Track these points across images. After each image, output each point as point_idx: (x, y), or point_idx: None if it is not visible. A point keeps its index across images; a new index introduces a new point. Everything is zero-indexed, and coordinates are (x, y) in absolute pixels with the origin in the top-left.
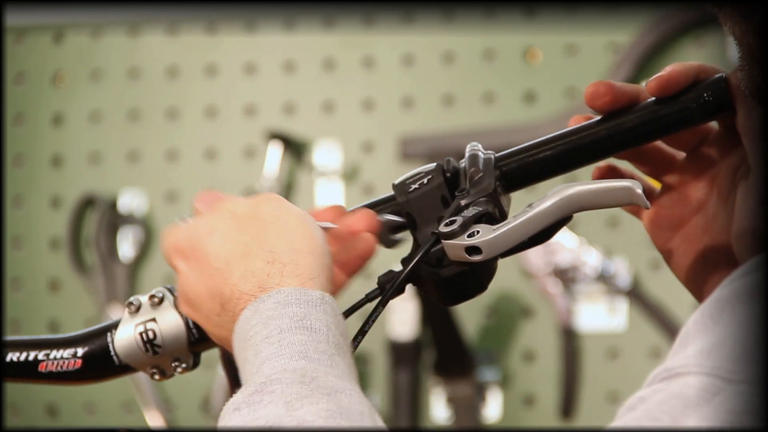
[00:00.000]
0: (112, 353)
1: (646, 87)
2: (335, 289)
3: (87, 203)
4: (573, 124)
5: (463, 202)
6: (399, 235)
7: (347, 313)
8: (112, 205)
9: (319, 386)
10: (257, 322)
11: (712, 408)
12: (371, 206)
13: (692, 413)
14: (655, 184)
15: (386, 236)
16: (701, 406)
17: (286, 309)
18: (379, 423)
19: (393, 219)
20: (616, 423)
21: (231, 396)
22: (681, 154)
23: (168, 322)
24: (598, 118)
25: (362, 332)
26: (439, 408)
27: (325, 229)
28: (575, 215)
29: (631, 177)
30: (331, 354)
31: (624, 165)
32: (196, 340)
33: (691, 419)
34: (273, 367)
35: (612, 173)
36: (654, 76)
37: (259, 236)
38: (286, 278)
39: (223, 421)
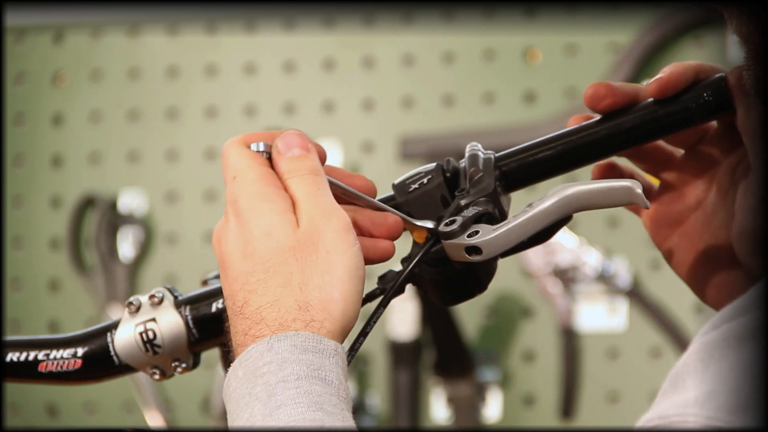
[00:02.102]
0: (112, 353)
1: (646, 89)
2: None
3: (87, 203)
4: (572, 124)
5: (462, 202)
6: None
7: None
8: (112, 205)
9: None
10: (271, 361)
11: None
12: None
13: None
14: (654, 182)
15: None
16: None
17: (304, 356)
18: None
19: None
20: None
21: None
22: (680, 152)
23: (168, 322)
24: (598, 118)
25: (364, 334)
26: (439, 408)
27: (358, 200)
28: (575, 215)
29: (631, 175)
30: (342, 409)
31: (623, 162)
32: (196, 340)
33: None
34: (290, 414)
35: (612, 171)
36: (653, 78)
37: (304, 272)
38: (308, 329)
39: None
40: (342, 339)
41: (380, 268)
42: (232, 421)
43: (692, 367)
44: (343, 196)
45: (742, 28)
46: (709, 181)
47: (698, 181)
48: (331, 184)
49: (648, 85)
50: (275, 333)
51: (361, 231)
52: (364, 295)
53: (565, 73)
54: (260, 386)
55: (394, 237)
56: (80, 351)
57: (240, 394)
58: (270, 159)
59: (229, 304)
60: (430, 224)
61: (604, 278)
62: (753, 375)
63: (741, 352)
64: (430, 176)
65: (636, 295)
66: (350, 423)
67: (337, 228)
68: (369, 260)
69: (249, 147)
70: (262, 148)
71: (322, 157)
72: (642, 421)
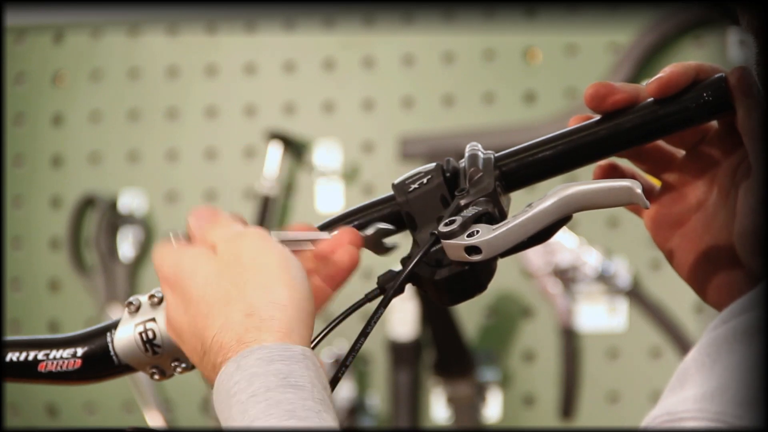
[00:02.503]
0: (112, 353)
1: (646, 89)
2: (320, 303)
3: (87, 203)
4: (573, 124)
5: (462, 202)
6: (391, 242)
7: (347, 313)
8: (112, 205)
9: None
10: (240, 379)
11: None
12: (370, 206)
13: None
14: (655, 182)
15: (379, 244)
16: None
17: (270, 366)
18: None
19: (383, 227)
20: None
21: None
22: (681, 152)
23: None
24: (598, 118)
25: (364, 334)
26: (439, 408)
27: (310, 241)
28: (575, 215)
29: (632, 175)
30: (318, 411)
31: (624, 163)
32: None
33: None
34: (264, 428)
35: (613, 171)
36: (653, 78)
37: (238, 284)
38: (264, 333)
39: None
40: (304, 329)
41: (380, 268)
42: None
43: (700, 362)
44: (293, 248)
45: (754, 22)
46: (710, 182)
47: (699, 181)
48: (281, 241)
49: (648, 84)
50: (238, 351)
51: (322, 250)
52: (363, 296)
53: (565, 73)
54: (234, 406)
55: (353, 239)
56: (80, 351)
57: (222, 418)
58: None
59: (195, 358)
60: (371, 230)
61: (604, 278)
62: (760, 370)
63: (749, 347)
64: (429, 176)
65: (636, 295)
66: (328, 424)
67: (253, 237)
68: (343, 270)
69: (169, 242)
70: (177, 234)
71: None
72: (650, 418)
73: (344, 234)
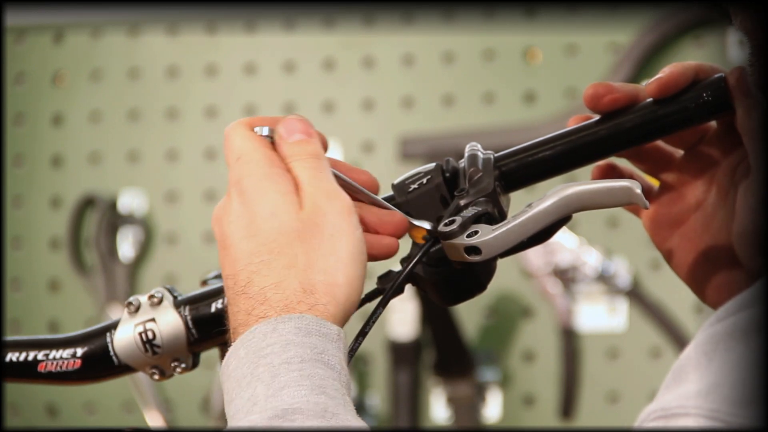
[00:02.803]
0: (112, 353)
1: (646, 89)
2: None
3: (87, 203)
4: (572, 124)
5: (462, 202)
6: None
7: None
8: (112, 205)
9: (339, 423)
10: (275, 342)
11: None
12: None
13: None
14: (654, 182)
15: None
16: None
17: (308, 339)
18: None
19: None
20: None
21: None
22: (679, 152)
23: (167, 322)
24: (598, 118)
25: (363, 333)
26: (439, 408)
27: (369, 200)
28: (575, 215)
29: (631, 176)
30: (343, 393)
31: (623, 163)
32: (196, 341)
33: None
34: (293, 396)
35: (612, 172)
36: (653, 78)
37: (309, 255)
38: (312, 312)
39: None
40: (343, 323)
41: (380, 268)
42: (231, 400)
43: (695, 359)
44: (346, 189)
45: (747, 23)
46: (709, 182)
47: (698, 181)
48: (336, 177)
49: (648, 85)
50: (279, 314)
51: (366, 227)
52: (363, 295)
53: (565, 73)
54: (263, 366)
55: (399, 235)
56: (80, 351)
57: (242, 374)
58: (273, 143)
59: (230, 284)
60: (427, 225)
61: (604, 278)
62: (758, 368)
63: (746, 344)
64: (429, 176)
65: (636, 295)
66: (351, 409)
67: (340, 211)
68: (373, 256)
69: (253, 130)
70: (266, 132)
71: (324, 145)
72: (644, 414)
73: (394, 218)
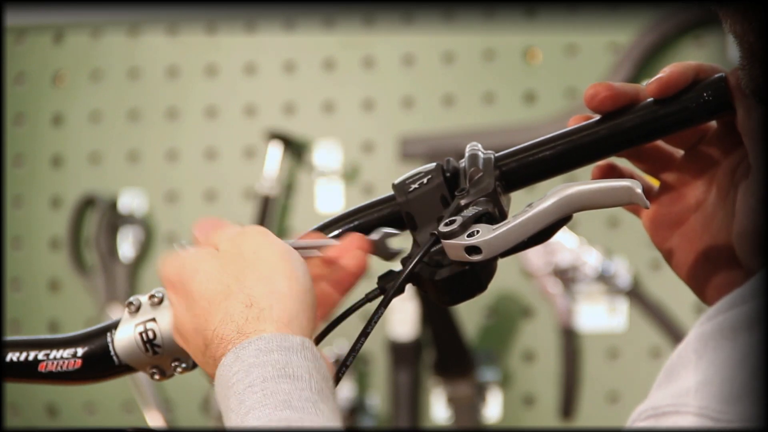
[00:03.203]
0: (112, 353)
1: (646, 89)
2: (328, 309)
3: (87, 203)
4: (572, 124)
5: (462, 202)
6: (396, 246)
7: (347, 313)
8: (112, 205)
9: None
10: (239, 370)
11: None
12: (371, 206)
13: None
14: (654, 182)
15: (385, 248)
16: None
17: (268, 356)
18: None
19: (389, 231)
20: None
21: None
22: (680, 152)
23: (168, 322)
24: (598, 118)
25: (365, 334)
26: (439, 408)
27: (317, 248)
28: (575, 215)
29: (631, 175)
30: (314, 401)
31: (623, 163)
32: None
33: None
34: (258, 418)
35: (612, 171)
36: (653, 78)
37: (239, 277)
38: (264, 323)
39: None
40: (305, 319)
41: (380, 268)
42: None
43: (686, 358)
44: (303, 254)
45: (737, 27)
46: (708, 182)
47: (698, 181)
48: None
49: (648, 85)
50: (238, 342)
51: (329, 256)
52: (364, 295)
53: (565, 73)
54: (232, 397)
55: (361, 245)
56: (80, 351)
57: (223, 410)
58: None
59: (198, 357)
60: (376, 236)
61: (604, 278)
62: (746, 365)
63: (735, 342)
64: (430, 176)
65: (636, 295)
66: (323, 417)
67: (254, 233)
68: (351, 275)
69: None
70: (183, 244)
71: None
72: (636, 413)
73: (352, 240)
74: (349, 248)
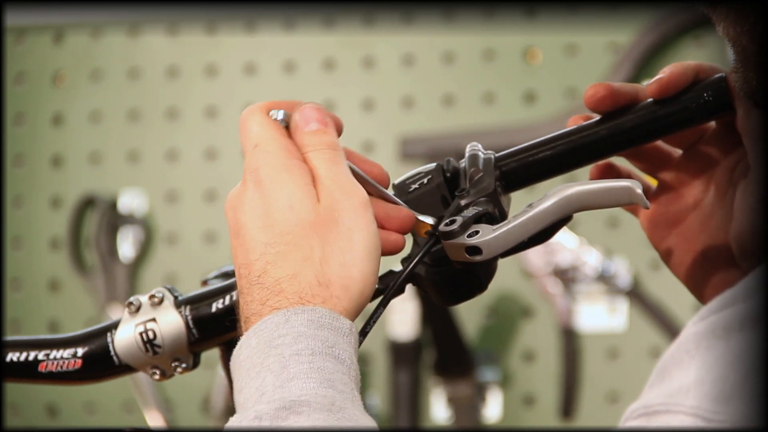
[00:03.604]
0: (112, 353)
1: (646, 90)
2: None
3: (87, 203)
4: (572, 124)
5: (462, 202)
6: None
7: None
8: (112, 205)
9: (346, 418)
10: (286, 333)
11: None
12: None
13: None
14: (652, 182)
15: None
16: None
17: (319, 332)
18: None
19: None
20: None
21: (232, 395)
22: (678, 152)
23: (168, 322)
24: (598, 118)
25: (363, 333)
26: (439, 408)
27: (370, 188)
28: (575, 215)
29: (629, 175)
30: (352, 388)
31: (622, 163)
32: (196, 341)
33: None
34: (302, 388)
35: (610, 171)
36: (653, 79)
37: (325, 249)
38: (327, 303)
39: (240, 427)
40: (355, 318)
41: (380, 268)
42: (240, 389)
43: (679, 358)
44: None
45: (730, 30)
46: (707, 182)
47: (696, 181)
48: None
49: (648, 85)
50: (293, 306)
51: (375, 216)
52: None
53: (565, 73)
54: (273, 357)
55: (405, 231)
56: (80, 351)
57: (252, 363)
58: (288, 129)
59: (244, 273)
60: (431, 220)
61: (604, 278)
62: (739, 365)
63: (728, 342)
64: (430, 176)
65: (636, 295)
66: (359, 404)
67: (357, 205)
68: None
69: (269, 115)
70: (281, 117)
71: (340, 130)
72: (628, 412)
73: (405, 216)
74: (395, 221)
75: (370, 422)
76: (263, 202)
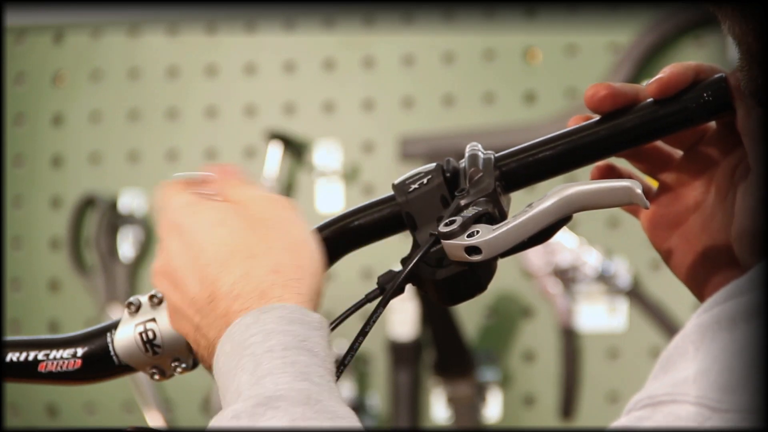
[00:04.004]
0: (112, 353)
1: (647, 90)
2: None
3: (87, 203)
4: (572, 124)
5: (462, 202)
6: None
7: (347, 314)
8: (112, 205)
9: (324, 410)
10: (257, 332)
11: None
12: (371, 206)
13: None
14: (653, 183)
15: None
16: None
17: (290, 327)
18: None
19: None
20: None
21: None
22: (678, 153)
23: (168, 323)
24: (598, 118)
25: (363, 333)
26: (439, 408)
27: None
28: (575, 215)
29: (629, 176)
30: (328, 380)
31: (622, 163)
32: None
33: None
34: (277, 383)
35: (610, 172)
36: (653, 79)
37: (268, 242)
38: (288, 293)
39: (218, 426)
40: (317, 302)
41: (380, 268)
42: (222, 397)
43: (683, 349)
44: None
45: (735, 29)
46: (707, 182)
47: (697, 182)
48: None
49: (648, 85)
50: (258, 304)
51: None
52: (364, 295)
53: (565, 73)
54: (246, 357)
55: None
56: (80, 351)
57: (228, 368)
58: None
59: (192, 311)
60: None
61: (604, 278)
62: (745, 355)
63: (733, 333)
64: (429, 176)
65: (636, 295)
66: (336, 395)
67: (283, 204)
68: None
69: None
70: (192, 176)
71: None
72: (631, 403)
73: None
74: None
75: (348, 413)
76: (183, 235)
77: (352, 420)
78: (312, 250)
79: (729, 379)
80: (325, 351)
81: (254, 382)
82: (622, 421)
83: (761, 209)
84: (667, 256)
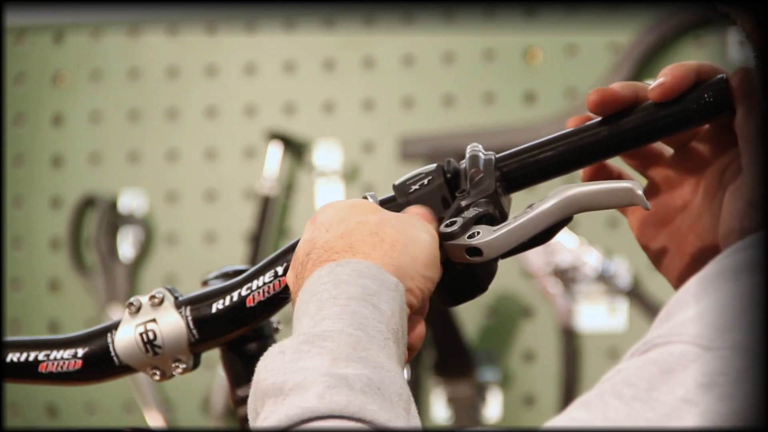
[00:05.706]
0: (113, 354)
1: (649, 95)
2: None
3: (87, 203)
4: (571, 124)
5: (463, 203)
6: None
7: None
8: (112, 205)
9: (368, 357)
10: (327, 281)
11: (689, 373)
12: None
13: (669, 378)
14: (641, 181)
15: None
16: (678, 372)
17: (361, 280)
18: (413, 411)
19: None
20: (592, 392)
21: (232, 395)
22: (669, 150)
23: (168, 323)
24: (599, 119)
25: None
26: (439, 408)
27: None
28: (575, 216)
29: (620, 174)
30: (386, 337)
31: (613, 161)
32: (197, 341)
33: (667, 384)
34: (330, 327)
35: (602, 170)
36: (656, 83)
37: (382, 219)
38: (376, 253)
39: (265, 361)
40: (413, 285)
41: None
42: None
43: (684, 300)
44: None
45: (746, 25)
46: (697, 182)
47: (686, 181)
48: None
49: (651, 90)
50: (343, 257)
51: None
52: None
53: (565, 73)
54: (312, 303)
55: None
56: (80, 351)
57: (297, 315)
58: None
59: (297, 263)
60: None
61: (604, 278)
62: (746, 301)
63: (736, 283)
64: (430, 177)
65: (636, 295)
66: (391, 352)
67: (417, 212)
68: None
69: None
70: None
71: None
72: (630, 351)
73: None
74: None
75: (394, 368)
76: (319, 218)
77: (396, 377)
78: (426, 244)
79: (725, 320)
80: (391, 310)
81: (312, 325)
82: (618, 367)
83: (750, 211)
84: (653, 255)
